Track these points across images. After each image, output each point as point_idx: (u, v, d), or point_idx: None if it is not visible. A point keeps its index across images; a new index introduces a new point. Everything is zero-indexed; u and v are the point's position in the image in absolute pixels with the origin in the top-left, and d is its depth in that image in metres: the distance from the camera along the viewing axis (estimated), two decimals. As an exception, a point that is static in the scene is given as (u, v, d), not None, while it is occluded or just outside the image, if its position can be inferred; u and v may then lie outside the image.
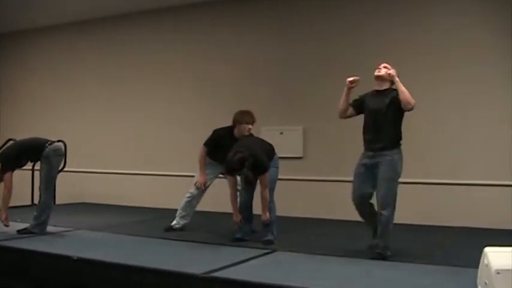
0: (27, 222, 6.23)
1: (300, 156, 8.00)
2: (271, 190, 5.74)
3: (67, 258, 4.85)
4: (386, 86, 5.05)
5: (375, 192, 4.98)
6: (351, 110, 5.23)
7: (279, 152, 6.02)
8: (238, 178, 5.77)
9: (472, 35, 7.36)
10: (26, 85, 10.94)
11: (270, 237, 5.70)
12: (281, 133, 8.10)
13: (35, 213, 6.17)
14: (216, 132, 6.42)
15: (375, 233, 5.08)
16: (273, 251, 5.32)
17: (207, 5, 9.19)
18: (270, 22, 8.69)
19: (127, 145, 9.77)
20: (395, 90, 4.93)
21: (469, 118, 7.28)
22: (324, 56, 8.12)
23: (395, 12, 7.80)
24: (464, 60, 7.32)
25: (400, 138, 5.01)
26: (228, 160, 5.51)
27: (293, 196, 7.28)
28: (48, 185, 6.22)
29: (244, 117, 6.27)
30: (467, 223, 6.94)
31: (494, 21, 7.26)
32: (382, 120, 4.94)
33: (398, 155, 4.95)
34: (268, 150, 5.86)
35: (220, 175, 6.49)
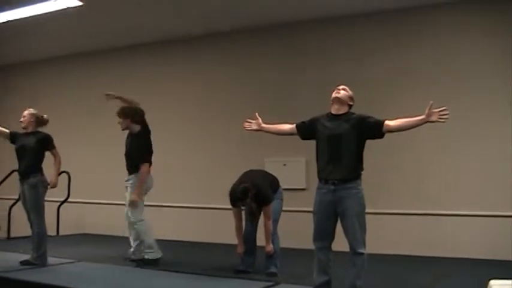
0: (29, 254, 6.21)
1: (304, 187, 8.01)
2: (275, 222, 5.73)
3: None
4: (344, 109, 4.54)
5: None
6: (294, 132, 4.85)
7: (283, 184, 6.03)
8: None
9: (471, 56, 7.41)
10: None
11: (273, 269, 5.67)
12: (284, 165, 8.12)
13: (33, 245, 6.14)
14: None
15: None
16: (277, 283, 5.28)
17: (206, 37, 9.30)
18: (278, 60, 8.77)
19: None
20: (354, 114, 4.53)
21: (468, 146, 7.29)
22: (324, 87, 8.15)
23: (394, 43, 7.88)
24: (458, 88, 7.32)
25: (362, 169, 4.51)
26: (231, 191, 5.52)
27: (297, 228, 7.26)
28: (39, 215, 6.17)
29: None
30: (460, 254, 6.92)
31: (490, 47, 7.31)
32: (344, 147, 4.40)
33: (361, 187, 4.42)
34: (272, 182, 5.87)
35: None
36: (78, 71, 10.74)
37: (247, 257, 5.82)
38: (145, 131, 6.49)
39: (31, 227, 6.20)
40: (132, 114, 6.45)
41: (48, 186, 6.24)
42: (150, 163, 6.43)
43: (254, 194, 5.39)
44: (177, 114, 9.52)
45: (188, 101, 9.46)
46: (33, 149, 6.18)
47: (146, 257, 6.26)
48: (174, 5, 7.98)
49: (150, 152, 6.48)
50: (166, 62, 9.76)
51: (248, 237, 5.81)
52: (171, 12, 8.28)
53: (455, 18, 7.53)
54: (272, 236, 5.63)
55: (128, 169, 6.46)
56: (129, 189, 6.38)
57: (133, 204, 6.20)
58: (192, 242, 8.50)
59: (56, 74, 11.05)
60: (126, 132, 6.59)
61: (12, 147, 6.47)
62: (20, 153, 6.26)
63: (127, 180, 6.45)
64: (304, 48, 8.51)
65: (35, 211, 6.14)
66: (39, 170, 6.23)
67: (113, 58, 10.31)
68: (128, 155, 6.47)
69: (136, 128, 6.47)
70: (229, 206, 5.70)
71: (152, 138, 6.50)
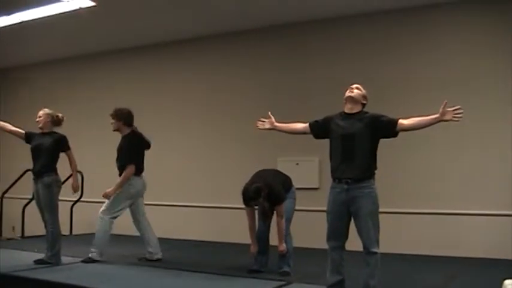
0: (44, 253, 6.25)
1: (316, 187, 8.00)
2: (288, 221, 5.72)
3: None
4: (358, 108, 4.52)
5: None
6: (307, 131, 4.85)
7: (295, 183, 6.02)
8: None
9: (472, 58, 7.41)
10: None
11: (286, 268, 5.66)
12: (297, 164, 8.11)
13: (48, 244, 6.20)
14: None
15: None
16: (290, 282, 5.28)
17: (217, 37, 9.32)
18: (288, 58, 8.78)
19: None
20: (368, 113, 4.52)
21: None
22: (336, 87, 8.14)
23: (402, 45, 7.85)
24: (462, 88, 7.26)
25: (376, 168, 4.49)
26: (244, 190, 5.52)
27: (309, 227, 7.25)
28: (53, 214, 6.22)
29: None
30: (473, 253, 6.90)
31: (494, 48, 7.29)
32: (357, 146, 4.39)
33: (375, 186, 4.41)
34: (285, 181, 5.86)
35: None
36: (89, 71, 10.79)
37: (260, 257, 5.82)
38: (135, 134, 6.63)
39: (45, 226, 6.24)
40: (125, 117, 6.58)
41: (64, 188, 6.32)
42: (138, 165, 6.58)
43: (267, 194, 5.39)
44: (189, 114, 9.54)
45: (200, 101, 9.47)
46: (49, 149, 6.21)
47: (90, 255, 6.39)
48: (185, 7, 8.01)
49: (138, 154, 6.62)
50: (178, 63, 9.78)
51: (261, 236, 5.81)
52: (183, 14, 8.32)
53: (456, 18, 7.53)
54: (285, 235, 5.62)
55: (119, 170, 6.57)
56: None
57: (105, 195, 6.39)
58: (205, 242, 8.52)
59: (68, 74, 11.10)
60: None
61: (25, 146, 6.52)
62: (35, 153, 6.30)
63: None
64: (315, 48, 8.50)
65: (49, 210, 6.17)
66: (54, 170, 6.27)
67: (124, 59, 10.36)
68: (118, 157, 6.58)
69: (127, 130, 6.61)
70: (243, 206, 5.70)
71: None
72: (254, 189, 5.39)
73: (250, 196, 5.44)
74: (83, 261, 6.32)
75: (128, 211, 6.66)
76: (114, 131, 6.64)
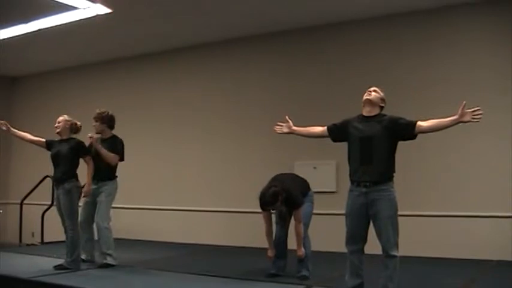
0: (63, 258, 6.28)
1: (334, 190, 7.97)
2: (306, 226, 5.71)
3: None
4: (376, 111, 4.52)
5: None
6: (325, 135, 4.84)
7: (313, 187, 6.00)
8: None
9: (473, 61, 7.37)
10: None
11: (305, 272, 5.65)
12: (314, 168, 8.09)
13: (67, 250, 6.23)
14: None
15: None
16: (309, 286, 5.27)
17: (232, 43, 9.33)
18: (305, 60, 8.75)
19: (160, 181, 9.84)
20: (386, 115, 4.50)
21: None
22: (352, 91, 8.14)
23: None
24: (463, 90, 7.19)
25: (394, 171, 4.47)
26: (261, 195, 5.51)
27: (327, 231, 7.23)
28: (73, 220, 6.26)
29: None
30: (493, 256, 6.82)
31: (497, 47, 7.25)
32: (375, 149, 4.38)
33: (394, 189, 4.40)
34: (302, 185, 5.85)
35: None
36: (107, 78, 10.85)
37: (279, 261, 5.81)
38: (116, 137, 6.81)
39: (65, 232, 6.28)
40: (108, 120, 6.74)
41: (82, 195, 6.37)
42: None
43: (284, 198, 5.38)
44: (207, 121, 9.53)
45: (217, 107, 9.47)
46: (67, 155, 6.26)
47: (105, 261, 6.46)
48: (202, 12, 8.02)
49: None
50: (194, 70, 9.81)
51: (279, 241, 5.79)
52: (200, 19, 8.34)
53: (475, 19, 7.46)
54: (303, 239, 5.61)
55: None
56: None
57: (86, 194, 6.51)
58: (224, 246, 8.51)
59: (84, 82, 11.17)
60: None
61: (43, 153, 6.59)
62: (55, 159, 6.36)
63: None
64: (331, 52, 8.47)
65: (69, 216, 6.22)
66: (74, 176, 6.32)
67: (143, 65, 10.38)
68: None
69: (109, 133, 6.77)
70: (260, 210, 5.69)
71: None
72: (271, 193, 5.38)
73: (267, 200, 5.42)
74: (99, 267, 6.36)
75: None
76: (96, 133, 6.74)
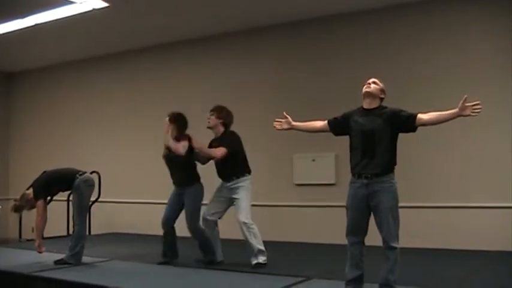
0: (63, 253, 6.29)
1: (333, 183, 7.95)
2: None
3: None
4: (376, 103, 4.51)
5: None
6: (326, 129, 4.82)
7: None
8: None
9: (472, 54, 7.36)
10: (55, 120, 11.21)
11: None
12: (313, 160, 8.08)
13: (70, 244, 6.24)
14: None
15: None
16: (309, 278, 5.27)
17: (232, 35, 9.31)
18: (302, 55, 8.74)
19: (157, 175, 9.82)
20: (387, 107, 4.50)
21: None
22: (353, 83, 8.12)
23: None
24: (463, 80, 7.23)
25: (395, 163, 4.46)
26: None
27: (327, 223, 7.24)
28: (81, 216, 6.30)
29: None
30: (493, 247, 6.85)
31: (495, 40, 7.24)
32: (377, 142, 4.38)
33: (395, 181, 4.39)
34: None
35: None
36: (110, 72, 10.83)
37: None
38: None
39: (73, 226, 6.35)
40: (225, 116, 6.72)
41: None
42: None
43: None
44: (202, 112, 9.50)
45: (216, 99, 9.38)
46: None
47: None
48: (200, 5, 8.00)
49: None
50: (192, 62, 9.79)
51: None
52: (198, 12, 8.32)
53: (482, 11, 7.42)
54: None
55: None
56: None
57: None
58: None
59: (81, 76, 11.15)
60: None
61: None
62: None
63: None
64: (332, 44, 8.44)
65: (77, 211, 6.27)
66: (84, 172, 6.38)
67: (146, 58, 10.35)
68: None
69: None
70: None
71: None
72: None
73: None
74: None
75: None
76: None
